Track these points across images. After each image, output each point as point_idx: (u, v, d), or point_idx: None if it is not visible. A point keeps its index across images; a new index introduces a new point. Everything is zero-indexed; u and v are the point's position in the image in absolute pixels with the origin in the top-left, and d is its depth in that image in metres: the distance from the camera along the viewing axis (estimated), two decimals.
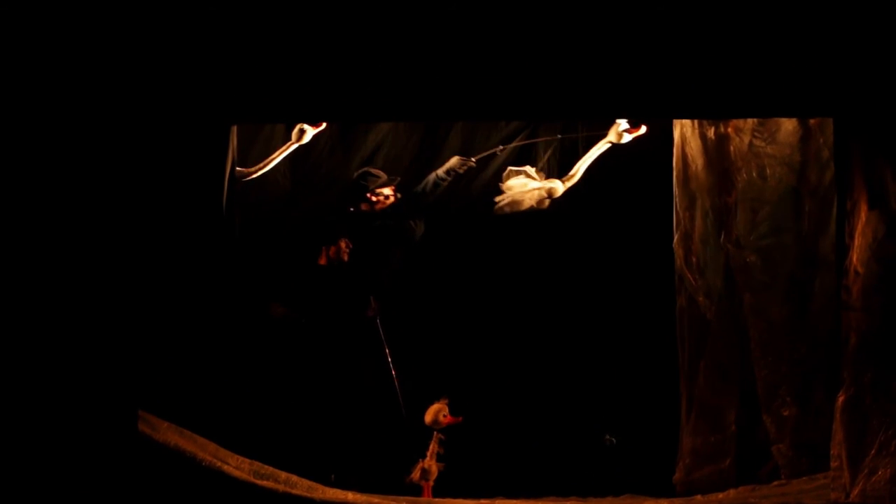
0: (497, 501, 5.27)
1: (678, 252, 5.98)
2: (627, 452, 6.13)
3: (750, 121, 5.76)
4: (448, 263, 6.56)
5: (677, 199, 5.98)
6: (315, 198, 6.62)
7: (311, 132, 6.15)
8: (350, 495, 5.18)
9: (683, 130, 5.95)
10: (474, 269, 6.54)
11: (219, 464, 5.02)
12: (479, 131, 6.61)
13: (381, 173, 6.44)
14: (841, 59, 4.85)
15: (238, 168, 6.09)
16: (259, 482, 5.05)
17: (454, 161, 6.33)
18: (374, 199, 6.38)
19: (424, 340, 6.38)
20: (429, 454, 5.78)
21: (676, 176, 5.98)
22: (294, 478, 5.19)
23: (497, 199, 6.31)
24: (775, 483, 5.51)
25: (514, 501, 5.27)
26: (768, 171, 5.78)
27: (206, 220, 5.75)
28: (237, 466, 5.11)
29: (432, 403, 5.85)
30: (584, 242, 6.46)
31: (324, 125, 6.20)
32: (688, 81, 4.91)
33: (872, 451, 4.88)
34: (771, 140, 5.77)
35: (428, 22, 4.83)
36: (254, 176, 6.23)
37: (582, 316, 6.40)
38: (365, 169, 6.49)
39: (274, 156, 6.21)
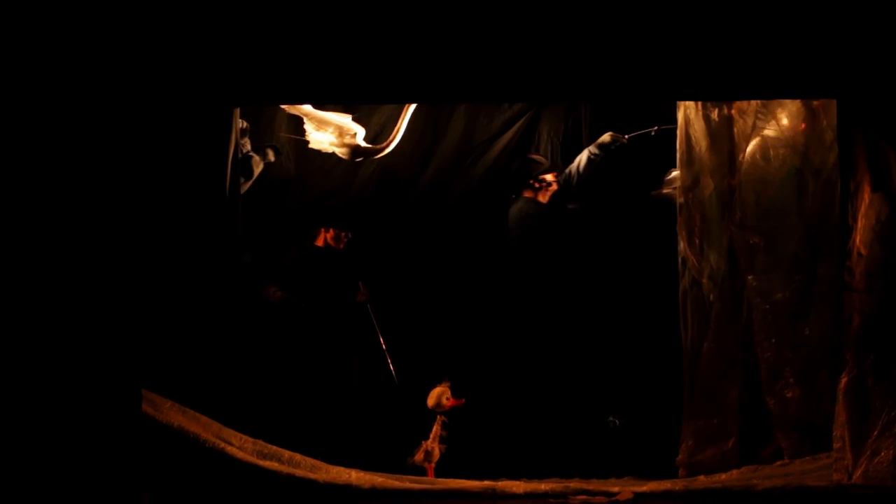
0: (500, 483, 5.28)
1: (682, 234, 5.97)
2: (631, 434, 6.13)
3: (754, 102, 5.75)
4: (450, 247, 6.56)
5: (680, 181, 5.97)
6: (319, 181, 6.61)
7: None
8: (353, 474, 5.21)
9: (687, 112, 5.93)
10: (477, 253, 6.54)
11: (222, 444, 5.04)
12: (482, 114, 6.61)
13: (543, 159, 6.43)
14: (844, 41, 4.86)
15: (366, 144, 6.05)
16: (262, 462, 5.08)
17: (605, 137, 6.29)
18: (536, 185, 6.37)
19: (427, 321, 6.39)
20: (432, 436, 5.79)
21: (680, 157, 5.97)
22: (297, 457, 5.22)
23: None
24: (778, 463, 5.51)
25: (517, 482, 5.28)
26: (772, 152, 5.77)
27: (208, 202, 5.76)
28: (240, 446, 5.13)
29: (434, 387, 5.85)
30: (587, 224, 6.46)
31: None
32: (692, 63, 4.91)
33: (875, 433, 4.90)
34: (774, 122, 5.76)
35: (432, 3, 4.83)
36: (384, 153, 6.17)
37: (585, 298, 6.40)
38: (528, 155, 6.46)
39: (397, 128, 6.14)
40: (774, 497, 5.00)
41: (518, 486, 5.19)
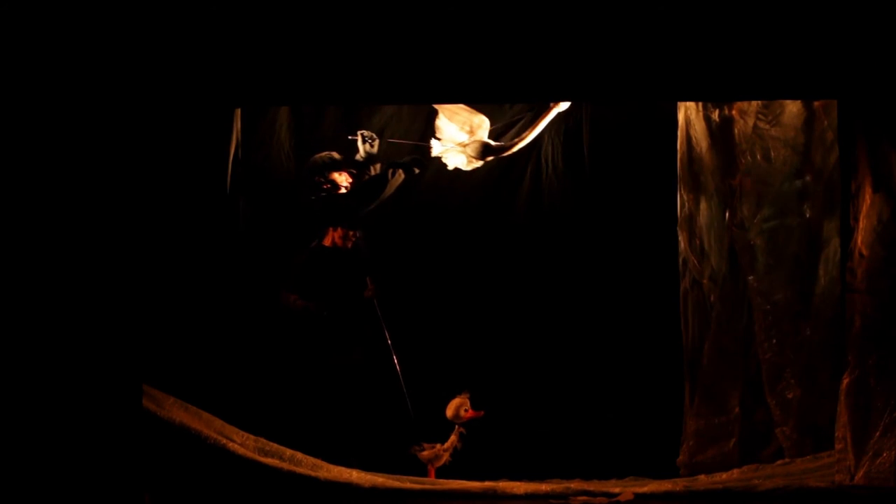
0: (501, 483, 5.27)
1: (682, 235, 5.97)
2: (631, 435, 6.12)
3: (754, 103, 5.76)
4: (454, 249, 6.55)
5: (681, 182, 5.97)
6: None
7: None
8: (354, 473, 5.21)
9: (688, 113, 5.95)
10: (479, 254, 6.53)
11: (224, 441, 5.04)
12: (482, 114, 6.59)
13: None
14: (845, 41, 4.86)
15: (492, 141, 6.02)
16: (264, 459, 5.07)
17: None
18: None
19: (426, 320, 6.37)
20: (448, 444, 5.79)
21: (681, 158, 5.97)
22: (299, 455, 5.22)
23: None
24: (779, 462, 5.52)
25: (518, 483, 5.28)
26: (773, 153, 5.78)
27: (210, 201, 5.77)
28: (242, 443, 5.13)
29: (454, 397, 5.85)
30: (589, 225, 6.45)
31: None
32: (692, 63, 4.91)
33: (877, 434, 4.90)
34: (775, 122, 5.77)
35: (431, 4, 4.83)
36: (512, 151, 6.11)
37: (586, 299, 6.39)
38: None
39: (533, 127, 6.02)
40: (776, 497, 5.02)
41: (519, 487, 5.19)
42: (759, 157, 5.79)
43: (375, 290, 6.13)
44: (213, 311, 5.73)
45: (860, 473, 4.91)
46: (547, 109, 5.94)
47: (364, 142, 6.11)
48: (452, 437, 5.81)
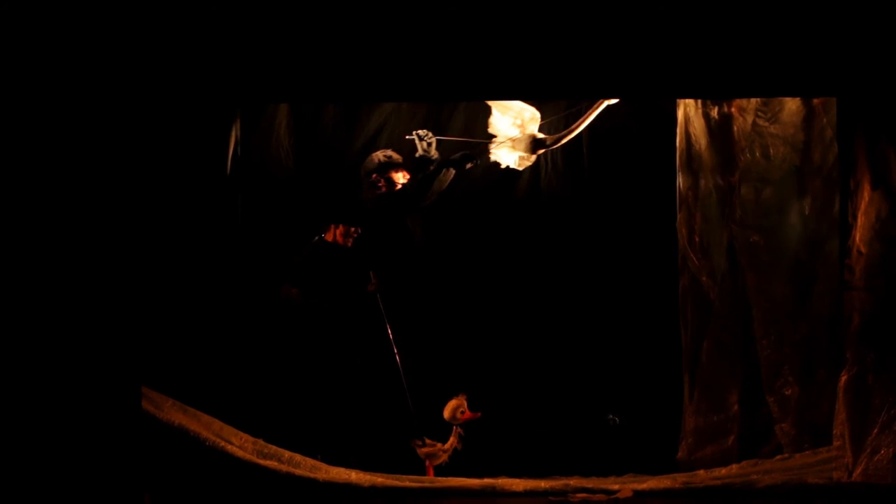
0: (500, 480, 5.28)
1: (681, 232, 5.97)
2: (631, 432, 6.14)
3: (753, 100, 5.75)
4: (452, 245, 6.55)
5: (680, 179, 5.98)
6: (318, 177, 6.61)
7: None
8: (353, 474, 5.21)
9: (687, 110, 5.94)
10: (479, 252, 6.53)
11: (222, 443, 5.05)
12: (481, 111, 6.59)
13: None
14: (845, 39, 4.85)
15: (542, 135, 6.02)
16: (262, 462, 5.08)
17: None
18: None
19: (426, 318, 6.37)
20: (448, 445, 5.81)
21: (680, 156, 5.97)
22: (297, 457, 5.23)
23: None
24: (778, 458, 5.52)
25: (517, 480, 5.28)
26: (772, 150, 5.77)
27: (210, 200, 5.77)
28: (241, 446, 5.14)
29: (450, 399, 5.87)
30: (587, 223, 6.45)
31: None
32: (691, 61, 4.90)
33: (875, 431, 4.90)
34: (774, 120, 5.76)
35: (432, 2, 4.82)
36: (560, 143, 6.10)
37: (585, 296, 6.40)
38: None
39: (583, 120, 5.97)
40: (775, 494, 5.01)
41: (518, 484, 5.19)
42: (758, 154, 5.78)
43: (379, 285, 6.15)
44: (211, 310, 5.74)
45: (858, 470, 4.92)
46: (597, 103, 5.91)
47: (420, 140, 6.13)
48: (452, 439, 5.82)
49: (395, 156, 6.22)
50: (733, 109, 5.81)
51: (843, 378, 5.01)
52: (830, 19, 4.83)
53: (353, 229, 6.23)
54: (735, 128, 5.82)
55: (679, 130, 5.98)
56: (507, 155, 6.10)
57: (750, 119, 5.78)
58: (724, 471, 5.48)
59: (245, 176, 6.24)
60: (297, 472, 5.10)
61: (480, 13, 4.84)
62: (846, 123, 5.14)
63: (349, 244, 6.23)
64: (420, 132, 6.13)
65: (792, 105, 5.74)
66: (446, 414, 5.83)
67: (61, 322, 4.61)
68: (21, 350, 4.57)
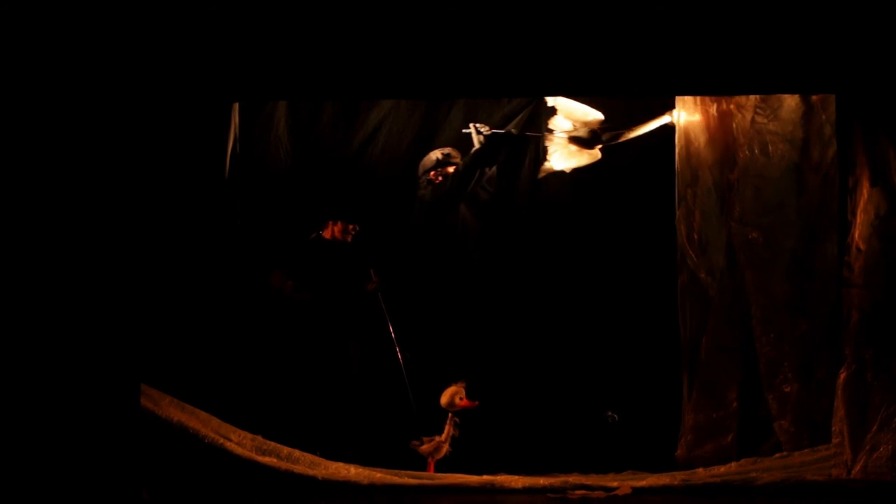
0: (499, 477, 5.28)
1: (680, 229, 5.97)
2: (630, 429, 6.14)
3: (752, 97, 5.75)
4: (452, 242, 6.55)
5: (679, 176, 5.97)
6: (316, 174, 6.61)
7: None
8: (353, 469, 5.21)
9: (686, 107, 5.93)
10: (479, 249, 6.53)
11: (221, 440, 5.05)
12: (480, 109, 6.60)
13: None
14: (844, 36, 4.85)
15: (605, 132, 6.04)
16: (261, 458, 5.08)
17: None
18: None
19: (426, 316, 6.38)
20: (445, 435, 5.80)
21: (679, 153, 5.96)
22: (296, 453, 5.23)
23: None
24: (777, 455, 5.53)
25: (516, 477, 5.28)
26: (770, 147, 5.77)
27: (208, 197, 5.76)
28: (239, 442, 5.14)
29: (449, 386, 5.86)
30: (587, 219, 6.45)
31: None
32: (690, 58, 4.90)
33: (874, 428, 4.91)
34: (773, 116, 5.76)
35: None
36: (617, 142, 6.12)
37: (584, 293, 6.40)
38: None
39: (643, 125, 6.05)
40: (774, 491, 5.01)
41: (517, 481, 5.19)
42: (756, 151, 5.78)
43: (380, 283, 6.15)
44: (209, 308, 5.74)
45: (857, 467, 4.92)
46: (659, 115, 5.97)
47: (478, 133, 6.15)
48: (447, 427, 5.82)
49: (454, 153, 6.32)
50: (732, 106, 5.81)
51: (842, 375, 5.02)
52: (829, 16, 4.83)
53: (351, 226, 6.24)
54: (734, 125, 5.82)
55: (678, 128, 5.97)
56: (561, 159, 6.11)
57: (749, 116, 5.78)
58: (723, 468, 5.49)
59: (244, 173, 6.23)
60: (297, 468, 5.10)
61: (479, 11, 4.83)
62: (845, 120, 5.15)
63: (348, 240, 6.23)
64: (477, 125, 6.18)
65: (791, 102, 5.74)
66: (444, 400, 5.83)
67: (61, 320, 4.61)
68: (21, 348, 4.58)
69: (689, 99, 5.90)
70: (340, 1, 4.84)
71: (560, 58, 4.93)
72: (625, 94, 5.96)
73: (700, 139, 5.90)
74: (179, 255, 5.66)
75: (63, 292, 4.62)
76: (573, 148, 6.13)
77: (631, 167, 6.36)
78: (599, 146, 6.15)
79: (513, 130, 6.29)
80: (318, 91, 5.59)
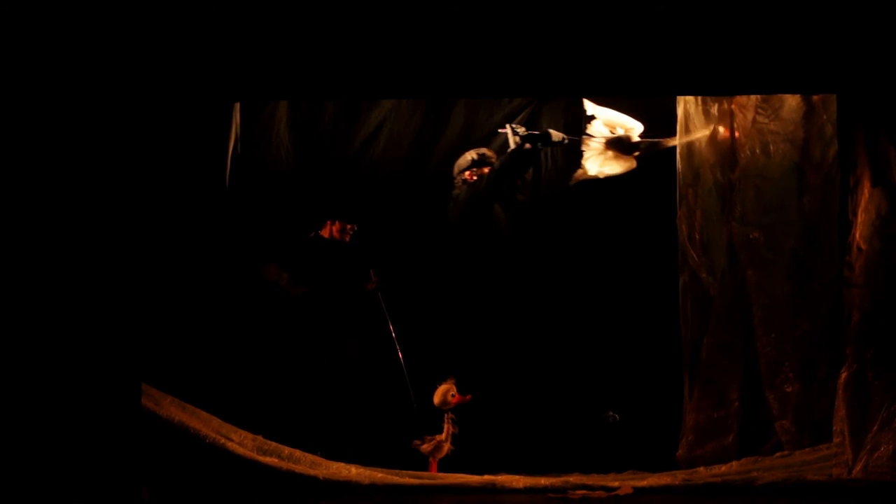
0: (500, 477, 5.28)
1: (681, 229, 5.97)
2: (631, 429, 6.14)
3: (753, 97, 5.75)
4: (448, 241, 6.55)
5: (680, 176, 5.97)
6: (317, 174, 6.62)
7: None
8: (353, 469, 5.21)
9: (687, 107, 5.93)
10: (478, 248, 6.53)
11: (222, 440, 5.05)
12: (482, 108, 6.60)
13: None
14: (845, 35, 4.85)
15: (637, 138, 6.02)
16: (262, 458, 5.09)
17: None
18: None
19: (426, 315, 6.38)
20: (445, 434, 5.81)
21: (680, 152, 5.97)
22: (297, 453, 5.23)
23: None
24: (778, 455, 5.52)
25: (517, 477, 5.28)
26: (772, 147, 5.77)
27: (209, 197, 5.77)
28: (240, 442, 5.14)
29: (439, 384, 5.86)
30: (587, 219, 6.45)
31: None
32: (692, 57, 4.90)
33: (875, 428, 4.91)
34: (774, 116, 5.76)
35: None
36: (654, 149, 6.11)
37: (585, 292, 6.40)
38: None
39: (689, 136, 6.00)
40: (775, 491, 5.00)
41: (518, 481, 5.19)
42: (758, 151, 5.78)
43: (380, 283, 6.15)
44: (210, 308, 5.75)
45: (858, 467, 4.92)
46: (707, 129, 5.94)
47: (514, 133, 6.15)
48: (446, 426, 5.83)
49: (489, 153, 6.31)
50: (733, 106, 5.81)
51: (843, 375, 5.01)
52: (830, 16, 4.83)
53: (349, 226, 6.24)
54: (735, 124, 5.82)
55: (679, 127, 5.98)
56: (595, 164, 6.11)
57: (750, 116, 5.78)
58: (724, 468, 5.48)
59: (245, 172, 6.24)
60: (297, 468, 5.10)
61: (479, 10, 4.83)
62: (846, 120, 5.14)
63: (346, 240, 6.24)
64: (513, 125, 6.18)
65: (792, 102, 5.74)
66: (436, 399, 5.83)
67: (61, 320, 4.61)
68: (21, 348, 4.58)
69: (690, 98, 5.90)
70: (341, 1, 4.84)
71: (560, 58, 4.93)
72: (625, 94, 5.96)
73: (701, 139, 5.90)
74: (181, 256, 5.67)
75: (63, 292, 4.63)
76: (610, 154, 6.12)
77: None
78: (636, 153, 6.14)
79: (549, 131, 6.24)
80: (319, 91, 5.59)
